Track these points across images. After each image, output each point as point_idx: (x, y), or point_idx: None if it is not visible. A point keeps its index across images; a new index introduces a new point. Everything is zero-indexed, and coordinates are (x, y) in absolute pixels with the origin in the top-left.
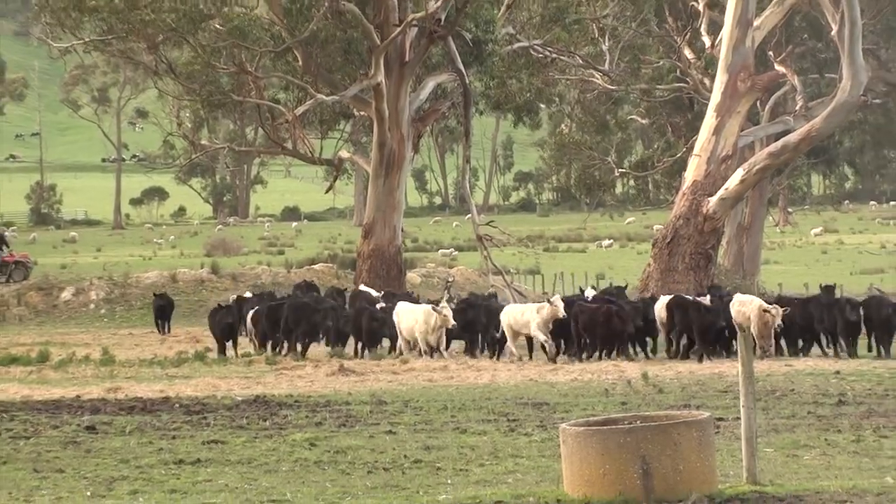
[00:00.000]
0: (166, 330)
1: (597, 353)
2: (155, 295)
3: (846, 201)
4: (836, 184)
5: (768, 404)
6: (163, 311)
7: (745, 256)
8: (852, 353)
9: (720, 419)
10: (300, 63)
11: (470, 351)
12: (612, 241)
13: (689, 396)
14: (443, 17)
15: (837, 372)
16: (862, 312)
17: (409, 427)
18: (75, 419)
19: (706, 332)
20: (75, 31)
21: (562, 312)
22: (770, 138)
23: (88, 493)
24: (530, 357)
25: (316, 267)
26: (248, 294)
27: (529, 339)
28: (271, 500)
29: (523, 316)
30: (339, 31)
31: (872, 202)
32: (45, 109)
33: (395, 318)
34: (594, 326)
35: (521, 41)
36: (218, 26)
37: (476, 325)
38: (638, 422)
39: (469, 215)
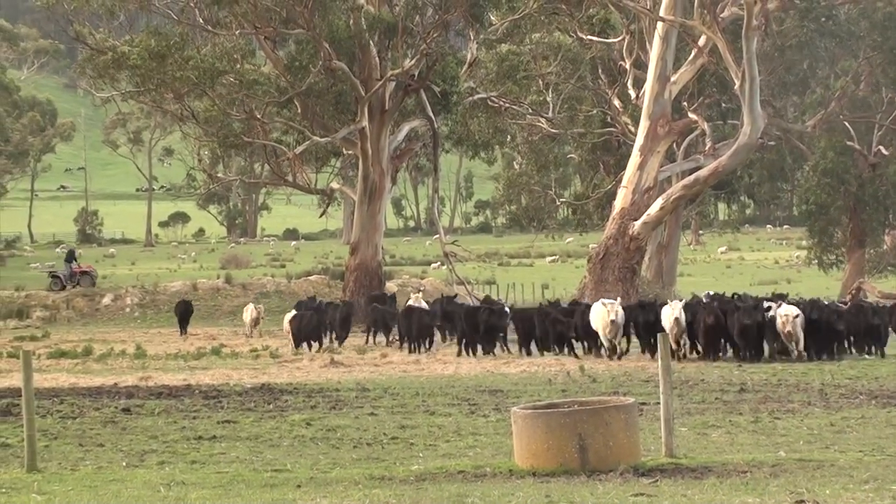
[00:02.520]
0: (185, 331)
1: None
2: (179, 302)
3: (746, 225)
4: (737, 211)
5: (682, 392)
6: (184, 315)
7: (664, 270)
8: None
9: (643, 404)
10: (299, 110)
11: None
12: (554, 257)
13: (617, 385)
14: (416, 74)
15: (740, 365)
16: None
17: (387, 410)
18: (113, 402)
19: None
20: (114, 84)
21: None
22: (684, 173)
23: (124, 464)
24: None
25: (311, 278)
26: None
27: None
28: (274, 469)
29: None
30: (331, 85)
31: (769, 225)
32: (90, 148)
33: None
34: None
35: (480, 93)
36: (232, 80)
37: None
38: (576, 406)
39: (437, 236)
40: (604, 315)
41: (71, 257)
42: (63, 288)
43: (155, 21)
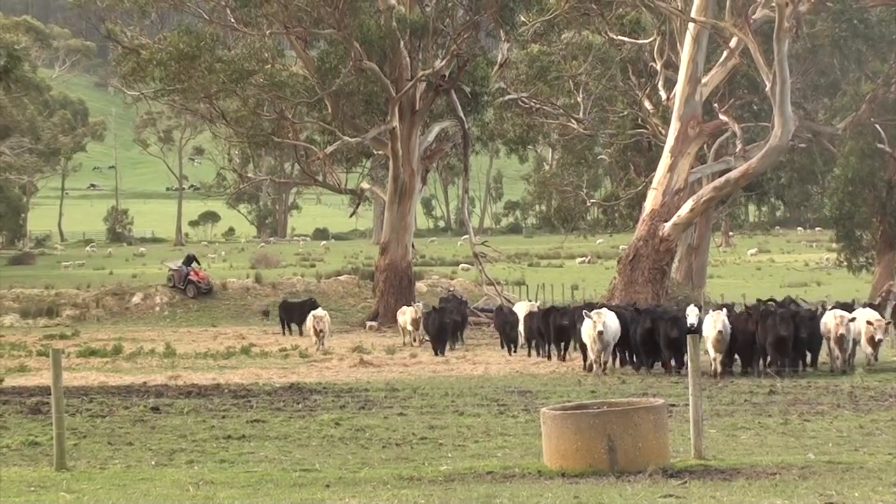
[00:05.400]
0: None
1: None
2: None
3: (777, 227)
4: (768, 213)
5: (712, 393)
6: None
7: (694, 272)
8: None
9: (673, 405)
10: (330, 111)
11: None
12: (584, 258)
13: (647, 386)
14: (447, 74)
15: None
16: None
17: (416, 410)
18: (142, 401)
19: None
20: (144, 83)
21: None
22: (715, 175)
23: (153, 463)
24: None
25: (341, 278)
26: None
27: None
28: (303, 469)
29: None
30: (361, 85)
31: (799, 228)
32: (120, 147)
33: None
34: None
35: (510, 94)
36: (262, 80)
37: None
38: (605, 407)
39: (467, 236)
40: (590, 328)
41: (189, 262)
42: (174, 287)
43: (187, 20)
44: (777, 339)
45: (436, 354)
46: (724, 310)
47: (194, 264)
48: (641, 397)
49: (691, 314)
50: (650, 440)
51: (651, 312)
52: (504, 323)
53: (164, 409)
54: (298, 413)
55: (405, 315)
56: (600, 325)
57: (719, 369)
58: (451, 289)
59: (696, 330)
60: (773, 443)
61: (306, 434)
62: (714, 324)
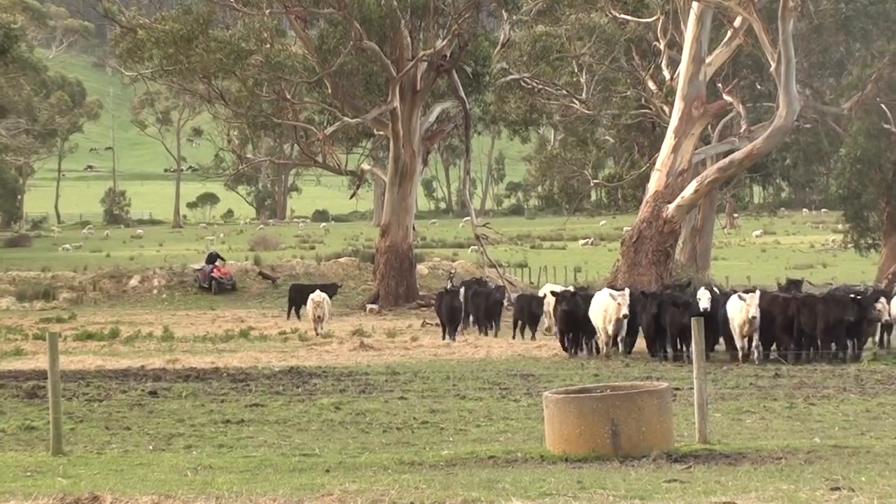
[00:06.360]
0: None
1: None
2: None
3: (782, 208)
4: (773, 194)
5: (717, 377)
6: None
7: (698, 254)
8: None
9: (677, 389)
10: (329, 91)
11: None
12: (587, 240)
13: (651, 370)
14: (448, 54)
15: (774, 350)
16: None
17: (417, 394)
18: (140, 385)
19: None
20: (142, 63)
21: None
22: (719, 156)
23: (151, 447)
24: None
25: (341, 260)
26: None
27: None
28: (303, 453)
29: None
30: (361, 65)
31: (804, 209)
32: (118, 128)
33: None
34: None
35: (513, 74)
36: (261, 60)
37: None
38: (608, 390)
39: (468, 218)
40: (613, 310)
41: (212, 259)
42: (200, 287)
43: None
44: (835, 324)
45: (443, 339)
46: (758, 292)
47: (218, 262)
48: (645, 381)
49: (703, 298)
50: (654, 424)
51: (658, 297)
52: (521, 309)
53: (162, 394)
54: (298, 397)
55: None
56: (625, 308)
57: (749, 354)
58: (453, 271)
59: (710, 315)
60: (779, 427)
61: (306, 418)
62: (748, 308)
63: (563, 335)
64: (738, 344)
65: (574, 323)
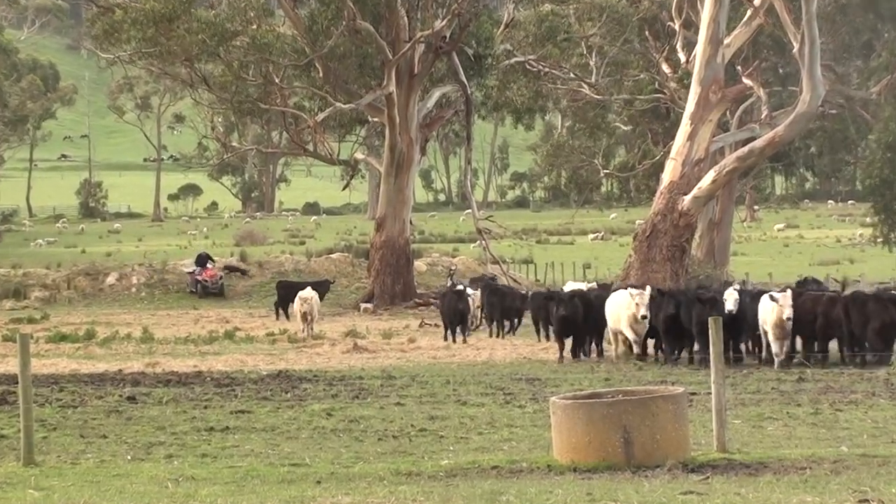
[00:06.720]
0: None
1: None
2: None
3: (805, 200)
4: (796, 185)
5: (736, 380)
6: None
7: (716, 249)
8: None
9: (693, 394)
10: (321, 75)
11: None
12: (597, 234)
13: (665, 373)
14: (448, 35)
15: (797, 352)
16: None
17: (415, 399)
18: (118, 390)
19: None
20: (120, 45)
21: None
22: (738, 144)
23: (129, 457)
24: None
25: (333, 256)
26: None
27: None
28: (292, 463)
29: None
30: (355, 47)
31: (830, 201)
32: (94, 114)
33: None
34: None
35: (517, 56)
36: (247, 41)
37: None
38: (620, 396)
39: (469, 211)
40: (630, 306)
41: (202, 261)
42: (191, 292)
43: None
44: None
45: (445, 339)
46: (789, 291)
47: (208, 264)
48: (660, 385)
49: (730, 299)
50: (669, 432)
51: (678, 295)
52: (538, 309)
53: (141, 399)
54: (287, 403)
55: None
56: (643, 308)
57: (782, 357)
58: (453, 267)
59: (736, 317)
60: (803, 435)
61: (295, 426)
62: (782, 309)
63: (560, 341)
64: (775, 350)
65: (573, 328)
